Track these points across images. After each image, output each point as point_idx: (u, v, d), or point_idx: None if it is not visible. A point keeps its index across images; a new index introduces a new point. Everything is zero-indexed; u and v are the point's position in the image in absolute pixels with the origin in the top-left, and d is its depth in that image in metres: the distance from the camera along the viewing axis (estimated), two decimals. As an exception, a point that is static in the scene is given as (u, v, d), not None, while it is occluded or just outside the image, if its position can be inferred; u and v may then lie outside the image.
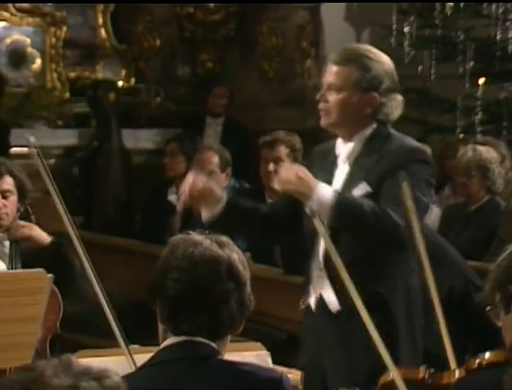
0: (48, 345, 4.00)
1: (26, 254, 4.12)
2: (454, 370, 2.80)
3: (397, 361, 2.98)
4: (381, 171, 3.46)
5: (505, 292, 2.40)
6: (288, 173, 3.40)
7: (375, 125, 3.52)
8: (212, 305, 2.35)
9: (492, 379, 1.45)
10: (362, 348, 3.33)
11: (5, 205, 4.12)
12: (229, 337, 2.41)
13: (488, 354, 2.67)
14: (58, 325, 4.04)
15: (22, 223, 4.12)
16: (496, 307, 2.43)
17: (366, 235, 3.42)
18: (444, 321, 3.07)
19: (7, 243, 4.17)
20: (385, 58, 3.57)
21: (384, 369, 2.88)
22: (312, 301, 3.54)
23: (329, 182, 3.53)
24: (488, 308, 2.46)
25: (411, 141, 3.60)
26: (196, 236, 2.42)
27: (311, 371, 3.37)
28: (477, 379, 2.44)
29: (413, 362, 3.25)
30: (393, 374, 2.49)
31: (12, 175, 4.17)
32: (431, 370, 2.80)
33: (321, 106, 3.54)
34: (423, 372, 2.80)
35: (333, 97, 3.50)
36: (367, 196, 3.44)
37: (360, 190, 3.46)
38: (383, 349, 2.47)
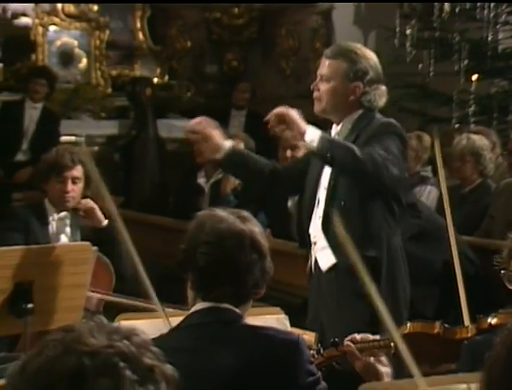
0: (102, 309, 4.06)
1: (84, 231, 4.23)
2: (467, 327, 2.77)
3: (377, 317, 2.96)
4: (360, 143, 3.47)
5: None
6: (284, 112, 3.40)
7: (361, 111, 3.55)
8: (238, 274, 2.33)
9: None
10: (349, 307, 3.37)
11: (73, 190, 4.19)
12: (251, 301, 2.40)
13: (497, 315, 2.64)
14: (110, 292, 4.11)
15: (88, 200, 4.22)
16: (511, 272, 2.39)
17: (353, 165, 3.38)
18: (462, 280, 3.03)
19: (68, 221, 4.24)
20: (371, 54, 3.61)
21: (371, 326, 2.86)
22: (311, 263, 3.60)
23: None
24: (503, 272, 2.43)
25: (388, 119, 3.60)
26: (220, 212, 2.39)
27: (313, 328, 3.38)
28: (485, 338, 2.42)
29: (396, 319, 3.22)
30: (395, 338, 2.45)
31: (83, 164, 4.23)
32: (446, 326, 2.78)
33: (314, 94, 3.58)
34: (438, 327, 2.76)
35: (324, 86, 3.54)
36: None
37: None
38: (383, 309, 2.43)
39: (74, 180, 4.20)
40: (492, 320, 2.66)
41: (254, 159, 3.73)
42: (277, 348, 2.28)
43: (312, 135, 3.37)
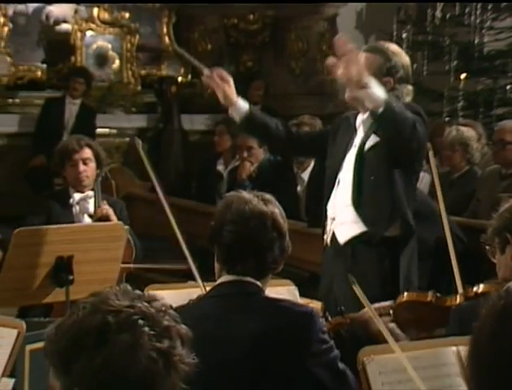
0: (124, 280, 4.07)
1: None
2: (456, 296, 2.77)
3: (396, 292, 2.93)
4: None
5: (503, 237, 2.38)
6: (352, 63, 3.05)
7: None
8: (260, 251, 2.30)
9: (483, 306, 1.43)
10: (363, 278, 3.27)
11: (85, 170, 4.20)
12: (270, 275, 2.38)
13: (482, 285, 2.65)
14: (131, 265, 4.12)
15: (104, 206, 4.19)
16: (494, 248, 2.40)
17: (403, 131, 3.20)
18: (455, 256, 3.01)
19: (91, 200, 4.24)
20: (404, 55, 3.49)
21: (383, 295, 2.84)
22: (327, 237, 3.47)
23: (347, 149, 3.45)
24: (488, 248, 2.43)
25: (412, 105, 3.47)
26: (246, 194, 2.37)
27: (327, 299, 3.29)
28: (471, 304, 2.42)
29: (409, 288, 3.17)
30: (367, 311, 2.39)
31: (90, 147, 4.26)
32: (438, 295, 2.78)
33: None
34: (430, 296, 2.75)
35: None
36: (377, 145, 3.34)
37: (371, 141, 3.37)
38: None
39: (84, 161, 4.20)
40: (478, 289, 2.67)
41: (270, 119, 3.64)
42: (293, 318, 2.25)
43: (375, 86, 3.09)
